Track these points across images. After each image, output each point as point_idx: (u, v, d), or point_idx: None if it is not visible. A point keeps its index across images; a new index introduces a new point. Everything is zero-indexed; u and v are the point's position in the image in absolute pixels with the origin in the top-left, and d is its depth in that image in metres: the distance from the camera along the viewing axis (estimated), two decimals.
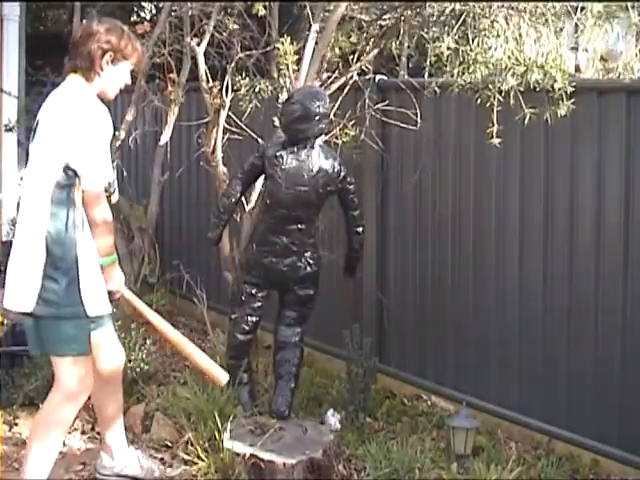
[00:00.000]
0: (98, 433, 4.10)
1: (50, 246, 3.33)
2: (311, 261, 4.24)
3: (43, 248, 3.33)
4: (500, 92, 3.86)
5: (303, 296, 4.28)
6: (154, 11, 6.61)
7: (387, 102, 4.82)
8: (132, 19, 8.01)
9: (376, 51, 4.89)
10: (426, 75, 4.52)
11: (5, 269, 3.48)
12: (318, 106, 4.04)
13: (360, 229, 4.38)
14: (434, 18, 4.65)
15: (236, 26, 5.12)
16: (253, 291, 4.32)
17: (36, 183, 3.40)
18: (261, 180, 4.49)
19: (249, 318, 4.35)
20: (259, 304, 4.34)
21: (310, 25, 4.57)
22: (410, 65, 6.34)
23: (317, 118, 4.05)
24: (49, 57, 7.22)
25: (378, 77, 4.91)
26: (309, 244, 4.24)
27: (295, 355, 4.30)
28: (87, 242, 3.42)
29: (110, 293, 3.55)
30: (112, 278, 3.54)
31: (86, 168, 3.34)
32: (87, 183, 3.36)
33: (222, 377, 3.70)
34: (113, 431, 3.84)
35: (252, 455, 3.72)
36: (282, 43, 4.35)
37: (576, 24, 4.12)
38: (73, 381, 3.45)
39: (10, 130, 7.18)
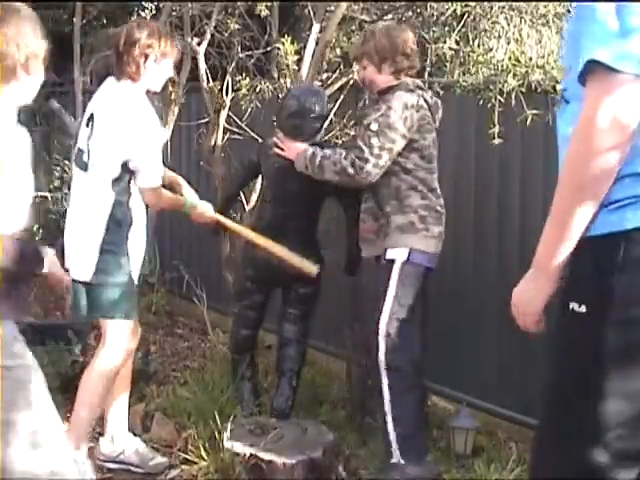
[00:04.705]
0: (99, 433, 4.10)
1: (110, 226, 3.72)
2: (311, 260, 4.24)
3: (103, 228, 3.70)
4: (501, 93, 3.86)
5: (304, 294, 4.28)
6: (154, 11, 6.59)
7: None
8: (132, 19, 8.00)
9: None
10: (426, 75, 4.52)
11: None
12: (314, 103, 3.97)
13: None
14: (435, 19, 4.66)
15: (237, 26, 5.12)
16: (254, 286, 4.32)
17: (98, 176, 3.70)
18: (261, 180, 4.50)
19: (251, 313, 4.35)
20: (261, 299, 4.34)
21: (311, 25, 4.58)
22: None
23: (312, 116, 3.98)
24: (49, 57, 7.21)
25: None
26: (309, 243, 4.23)
27: (298, 352, 4.30)
28: (137, 223, 3.83)
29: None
30: (199, 210, 4.15)
31: (145, 166, 3.69)
32: (145, 181, 3.71)
33: (312, 270, 4.03)
34: (116, 414, 3.98)
35: (252, 455, 3.72)
36: (283, 43, 4.35)
37: None
38: (119, 340, 3.79)
39: None
